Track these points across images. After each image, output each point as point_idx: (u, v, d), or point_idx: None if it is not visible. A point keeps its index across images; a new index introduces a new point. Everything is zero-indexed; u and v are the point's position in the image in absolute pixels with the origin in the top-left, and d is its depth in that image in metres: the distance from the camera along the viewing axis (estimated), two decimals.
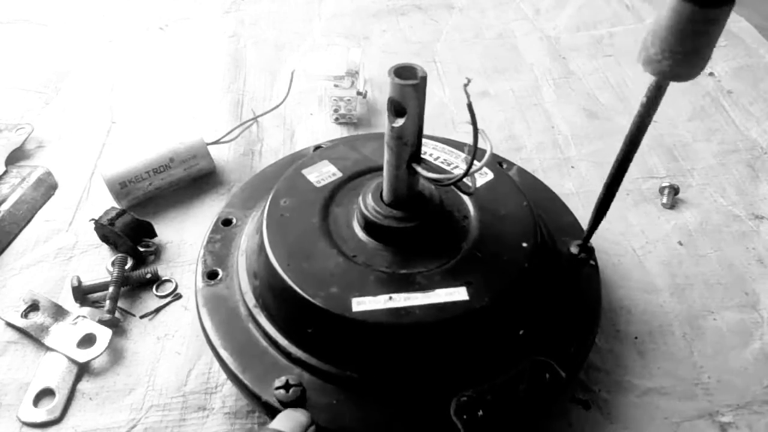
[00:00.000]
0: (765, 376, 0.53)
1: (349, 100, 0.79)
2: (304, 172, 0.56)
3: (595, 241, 0.59)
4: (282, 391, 0.44)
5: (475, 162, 0.41)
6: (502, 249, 0.49)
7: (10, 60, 0.94)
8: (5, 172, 0.72)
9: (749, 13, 1.00)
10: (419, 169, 0.45)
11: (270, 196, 0.54)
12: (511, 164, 0.64)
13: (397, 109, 0.43)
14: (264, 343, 0.49)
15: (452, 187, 0.44)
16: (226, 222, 0.59)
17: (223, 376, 0.54)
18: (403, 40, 0.96)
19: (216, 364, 0.54)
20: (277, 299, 0.48)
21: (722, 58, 0.91)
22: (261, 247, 0.50)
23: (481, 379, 0.46)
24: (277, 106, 0.79)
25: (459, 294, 0.46)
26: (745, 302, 0.59)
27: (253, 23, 1.02)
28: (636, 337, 0.56)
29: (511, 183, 0.56)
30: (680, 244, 0.65)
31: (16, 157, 0.75)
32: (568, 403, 0.52)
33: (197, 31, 1.01)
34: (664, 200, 0.69)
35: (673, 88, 0.92)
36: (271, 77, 0.90)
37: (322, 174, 0.55)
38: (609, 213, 0.67)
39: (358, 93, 0.80)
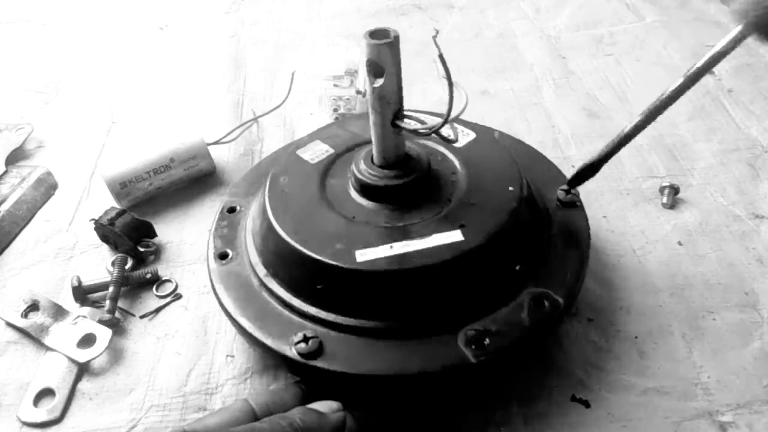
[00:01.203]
0: (765, 376, 0.53)
1: (348, 99, 0.79)
2: (299, 152, 0.59)
3: (594, 241, 0.60)
4: (302, 344, 0.47)
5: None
6: (491, 195, 0.54)
7: (10, 60, 0.95)
8: (5, 172, 0.72)
9: None
10: (402, 124, 0.49)
11: (269, 177, 0.57)
12: (492, 130, 0.67)
13: (375, 69, 0.46)
14: (278, 306, 0.52)
15: (436, 137, 0.49)
16: (231, 210, 0.62)
17: (224, 376, 0.54)
18: (404, 39, 0.94)
19: (216, 365, 0.55)
20: (287, 264, 0.52)
21: None
22: (266, 220, 0.54)
23: (485, 312, 0.49)
24: (278, 107, 0.80)
25: (454, 236, 0.50)
26: (745, 302, 0.59)
27: (253, 23, 1.02)
28: (636, 337, 0.56)
29: (492, 138, 0.61)
30: (680, 244, 0.65)
31: (16, 157, 0.75)
32: (569, 401, 0.52)
33: (197, 31, 1.01)
34: (664, 200, 0.69)
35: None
36: (271, 77, 0.90)
37: (316, 152, 0.59)
38: (609, 213, 0.68)
39: (358, 92, 0.80)
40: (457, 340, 0.48)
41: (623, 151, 0.75)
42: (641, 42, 0.95)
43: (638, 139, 0.77)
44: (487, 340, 0.47)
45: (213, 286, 0.55)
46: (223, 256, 0.56)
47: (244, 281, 0.54)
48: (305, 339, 0.48)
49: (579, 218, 0.57)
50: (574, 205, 0.58)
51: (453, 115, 0.46)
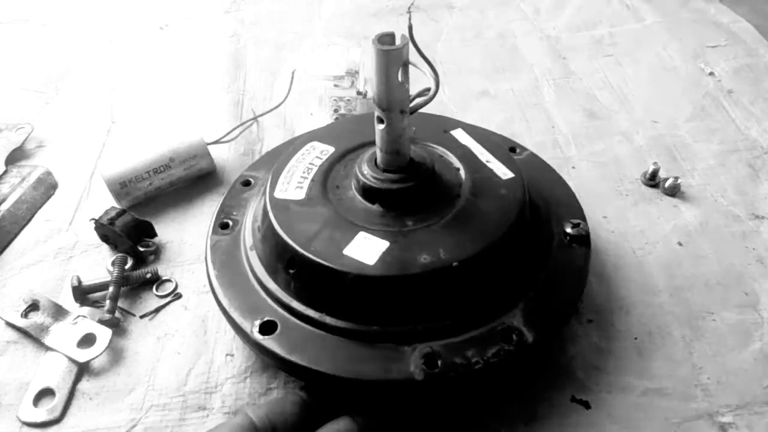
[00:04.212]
0: (765, 377, 0.53)
1: (348, 100, 0.79)
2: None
3: (594, 241, 0.60)
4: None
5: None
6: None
7: (10, 60, 0.94)
8: (5, 172, 0.72)
9: (749, 13, 1.00)
10: (416, 103, 0.49)
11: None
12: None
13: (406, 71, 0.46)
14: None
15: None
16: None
17: (223, 375, 0.54)
18: None
19: (216, 364, 0.55)
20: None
21: (722, 58, 0.91)
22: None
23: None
24: (278, 106, 0.80)
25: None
26: (745, 302, 0.59)
27: (253, 23, 1.02)
28: (636, 338, 0.56)
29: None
30: (680, 244, 0.65)
31: (16, 156, 0.75)
32: (569, 402, 0.52)
33: (197, 31, 1.01)
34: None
35: (673, 88, 0.92)
36: (271, 77, 0.90)
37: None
38: (609, 213, 0.68)
39: (358, 93, 0.80)
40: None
41: (623, 151, 0.76)
42: (641, 43, 0.95)
43: (638, 139, 0.78)
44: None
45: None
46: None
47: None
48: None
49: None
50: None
51: (424, 100, 0.47)
